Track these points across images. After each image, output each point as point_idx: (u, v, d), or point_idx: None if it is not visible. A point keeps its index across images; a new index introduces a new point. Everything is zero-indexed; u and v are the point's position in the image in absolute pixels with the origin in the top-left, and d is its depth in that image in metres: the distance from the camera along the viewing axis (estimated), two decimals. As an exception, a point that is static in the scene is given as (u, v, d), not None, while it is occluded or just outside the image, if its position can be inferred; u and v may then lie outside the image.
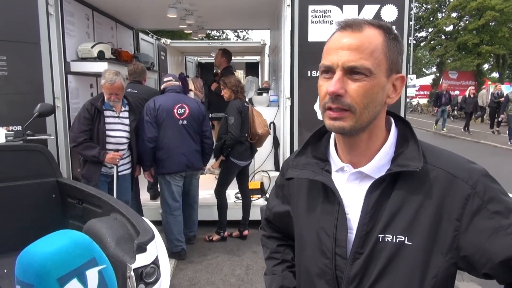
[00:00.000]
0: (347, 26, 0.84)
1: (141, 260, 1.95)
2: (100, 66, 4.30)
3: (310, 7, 4.06)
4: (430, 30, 30.12)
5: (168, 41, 8.73)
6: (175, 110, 3.74)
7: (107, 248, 2.11)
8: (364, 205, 0.86)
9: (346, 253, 0.88)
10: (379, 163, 0.88)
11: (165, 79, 4.04)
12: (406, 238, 0.83)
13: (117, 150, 3.42)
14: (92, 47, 4.37)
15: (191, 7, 5.03)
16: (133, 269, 1.90)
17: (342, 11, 4.07)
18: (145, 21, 6.60)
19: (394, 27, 3.59)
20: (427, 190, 0.84)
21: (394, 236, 0.83)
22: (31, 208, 2.72)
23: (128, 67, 4.48)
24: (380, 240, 0.84)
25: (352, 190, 0.90)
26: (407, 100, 25.84)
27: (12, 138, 2.74)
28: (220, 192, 4.19)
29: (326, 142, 0.99)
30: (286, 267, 1.14)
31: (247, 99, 4.56)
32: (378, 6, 4.06)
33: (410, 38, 30.41)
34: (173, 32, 14.55)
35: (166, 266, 2.25)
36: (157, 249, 2.12)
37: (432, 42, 29.29)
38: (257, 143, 4.26)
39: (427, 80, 28.58)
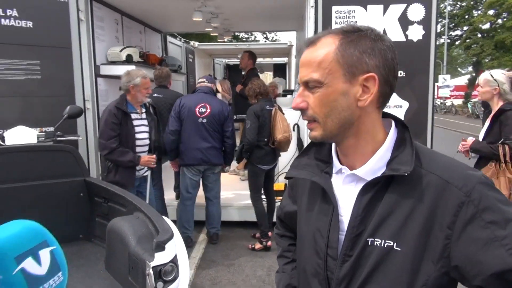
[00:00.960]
0: (307, 43, 0.89)
1: (160, 258, 2.00)
2: (128, 69, 4.44)
3: (334, 8, 4.02)
4: (465, 28, 29.08)
5: (196, 43, 8.86)
6: (197, 109, 3.99)
7: (129, 246, 2.18)
8: (354, 207, 0.87)
9: (337, 254, 0.89)
10: (374, 166, 0.88)
11: (199, 80, 4.34)
12: (395, 243, 0.82)
13: (144, 152, 3.53)
14: (120, 51, 4.51)
15: (216, 10, 5.09)
16: (152, 267, 1.96)
17: (366, 11, 4.01)
18: (173, 25, 6.74)
19: (420, 26, 3.39)
20: (419, 195, 0.82)
21: (383, 241, 0.83)
22: (61, 205, 2.85)
23: (154, 72, 4.60)
24: (369, 243, 0.84)
25: (347, 192, 0.91)
26: (441, 101, 25.11)
27: (43, 139, 2.87)
28: (254, 198, 4.18)
29: (329, 144, 1.00)
30: (295, 266, 1.16)
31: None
32: (404, 5, 3.98)
33: (444, 37, 29.51)
34: (202, 34, 14.78)
35: (185, 265, 2.29)
36: (176, 248, 2.17)
37: (467, 40, 28.31)
38: (279, 148, 4.19)
39: (463, 80, 27.57)
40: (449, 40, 29.27)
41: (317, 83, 0.84)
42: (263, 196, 4.44)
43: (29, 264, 0.47)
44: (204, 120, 3.97)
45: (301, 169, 0.99)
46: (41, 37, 3.73)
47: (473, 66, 30.60)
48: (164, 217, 2.43)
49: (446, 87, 26.04)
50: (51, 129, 3.34)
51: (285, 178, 1.07)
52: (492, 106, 3.13)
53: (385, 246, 0.82)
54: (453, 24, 29.70)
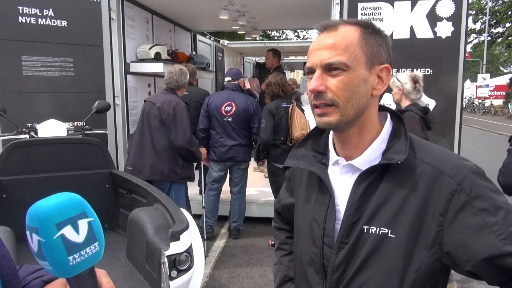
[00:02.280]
0: (324, 28, 0.89)
1: (175, 247, 2.08)
2: (157, 67, 4.58)
3: (360, 5, 3.98)
4: (508, 25, 27.70)
5: (226, 42, 8.98)
6: (223, 108, 4.09)
7: (147, 235, 2.27)
8: (350, 196, 0.89)
9: (332, 242, 0.91)
10: (370, 157, 0.90)
11: (226, 79, 4.44)
12: (390, 230, 0.84)
13: None
14: (149, 49, 4.65)
15: (243, 8, 5.15)
16: (167, 256, 2.03)
17: (393, 7, 3.94)
18: (202, 23, 6.85)
19: (450, 23, 3.29)
20: (413, 184, 0.85)
21: (378, 228, 0.85)
22: (88, 196, 2.91)
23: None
24: (365, 231, 0.86)
25: (344, 182, 0.93)
26: (479, 101, 24.10)
27: (72, 132, 3.02)
28: (275, 197, 4.17)
29: (326, 136, 1.02)
30: (293, 258, 1.18)
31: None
32: (432, 1, 3.88)
33: (484, 34, 28.28)
34: (232, 33, 14.93)
35: (201, 256, 2.36)
36: (191, 239, 2.24)
37: (510, 38, 26.94)
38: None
39: (504, 80, 26.33)
40: (490, 38, 28.00)
41: (344, 66, 0.84)
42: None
43: (68, 231, 0.56)
44: (230, 119, 4.09)
45: (298, 159, 1.02)
46: (75, 36, 3.92)
47: (516, 65, 29.16)
48: (183, 209, 2.51)
49: (485, 86, 24.98)
50: (81, 123, 3.51)
51: (282, 168, 1.10)
52: (402, 106, 3.18)
53: (380, 233, 0.85)
54: (495, 21, 28.37)
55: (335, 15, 4.03)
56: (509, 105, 21.25)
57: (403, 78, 3.17)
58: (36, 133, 2.87)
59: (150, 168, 3.38)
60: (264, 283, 3.34)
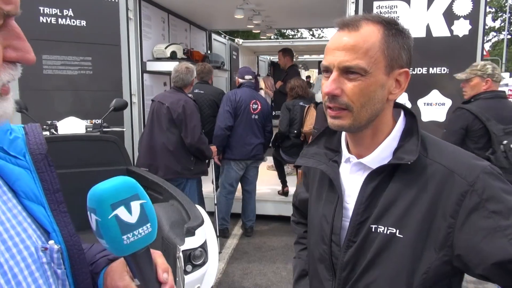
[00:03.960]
0: (344, 25, 0.84)
1: (190, 243, 2.12)
2: (172, 66, 4.61)
3: (375, 3, 3.96)
4: (529, 23, 27.05)
5: (241, 41, 9.01)
6: (251, 105, 4.09)
7: (162, 231, 2.32)
8: (359, 195, 0.89)
9: (339, 240, 0.91)
10: (381, 155, 0.89)
11: (246, 77, 4.30)
12: (398, 230, 0.83)
13: None
14: (165, 48, 4.71)
15: (258, 7, 5.17)
16: (182, 251, 2.08)
17: (409, 6, 3.91)
18: (217, 22, 6.90)
19: (467, 21, 3.27)
20: (422, 184, 0.83)
21: (386, 228, 0.84)
22: (105, 192, 3.06)
23: (196, 67, 4.76)
24: (373, 230, 0.86)
25: (354, 180, 0.92)
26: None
27: (91, 129, 3.10)
28: (275, 154, 4.79)
29: (340, 133, 1.01)
30: None
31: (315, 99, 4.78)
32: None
33: (504, 32, 27.64)
34: (247, 32, 14.96)
35: (215, 252, 2.40)
36: (206, 235, 2.28)
37: (531, 36, 26.30)
38: (307, 141, 4.41)
39: (524, 79, 25.69)
40: (510, 36, 27.39)
41: (362, 71, 0.81)
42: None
43: (121, 212, 0.62)
44: (256, 117, 4.11)
45: (309, 157, 1.02)
46: (93, 35, 4.00)
47: (536, 64, 28.45)
48: (198, 206, 2.55)
49: (504, 85, 24.45)
50: (99, 121, 3.59)
51: (293, 166, 1.11)
52: None
53: (388, 233, 0.84)
54: (515, 19, 27.72)
55: (350, 14, 4.02)
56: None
57: None
58: (56, 130, 2.96)
59: (164, 167, 3.43)
60: (277, 280, 3.36)
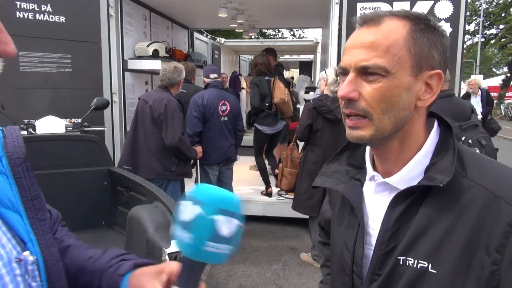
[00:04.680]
0: (364, 21, 0.74)
1: (175, 245, 2.08)
2: (155, 64, 4.56)
3: (359, 5, 4.00)
4: (501, 26, 27.97)
5: (222, 40, 8.96)
6: (219, 107, 3.97)
7: (147, 233, 2.27)
8: (384, 221, 0.77)
9: (361, 272, 0.80)
10: (410, 174, 0.76)
11: (212, 76, 4.13)
12: (430, 264, 0.71)
13: None
14: (147, 46, 4.63)
15: (241, 6, 5.15)
16: (168, 253, 2.03)
17: (392, 8, 3.95)
18: (199, 21, 6.84)
19: (448, 24, 3.35)
20: (460, 210, 0.70)
21: (416, 261, 0.72)
22: (85, 193, 2.97)
23: (180, 66, 4.69)
24: (401, 263, 0.73)
25: (379, 202, 0.80)
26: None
27: (71, 129, 3.00)
28: (256, 157, 4.98)
29: (364, 147, 0.88)
30: None
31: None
32: (431, 2, 3.91)
33: (478, 36, 28.52)
34: (229, 31, 14.89)
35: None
36: (191, 237, 2.24)
37: (503, 39, 27.21)
38: (280, 111, 4.81)
39: (497, 81, 26.58)
40: (483, 39, 28.25)
41: (383, 71, 0.71)
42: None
43: (222, 221, 0.61)
44: (226, 118, 4.00)
45: (328, 176, 0.90)
46: (72, 32, 3.88)
47: (508, 66, 29.43)
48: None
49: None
50: (79, 120, 3.49)
51: (312, 187, 0.99)
52: None
53: (419, 267, 0.71)
54: (489, 22, 28.64)
55: (334, 14, 4.05)
56: (502, 106, 21.46)
57: (329, 71, 3.53)
58: (34, 129, 2.85)
59: (145, 167, 3.36)
60: (262, 281, 3.35)
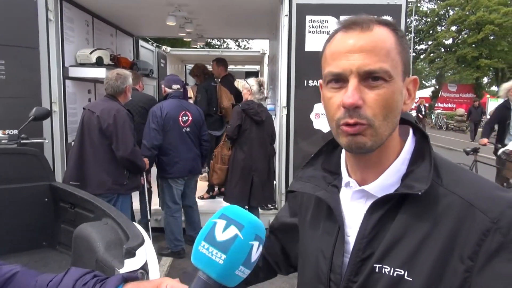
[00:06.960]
0: (354, 24, 0.71)
1: (130, 265, 1.95)
2: (98, 72, 4.34)
3: (308, 17, 4.10)
4: (430, 43, 30.36)
5: (168, 48, 8.79)
6: (180, 118, 3.86)
7: (96, 252, 2.11)
8: (361, 228, 0.76)
9: (340, 280, 0.79)
10: (386, 182, 0.76)
11: (174, 86, 3.96)
12: (407, 272, 0.70)
13: None
14: (90, 53, 4.40)
15: (190, 15, 5.08)
16: (122, 274, 1.91)
17: (339, 21, 4.10)
18: (145, 29, 6.66)
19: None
20: (436, 218, 0.70)
21: (392, 269, 0.72)
22: (24, 211, 2.72)
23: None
24: (376, 270, 0.73)
25: (355, 209, 0.79)
26: (406, 111, 26.12)
27: (6, 141, 2.75)
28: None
29: (339, 152, 0.87)
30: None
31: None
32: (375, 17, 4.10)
33: (409, 51, 30.62)
34: (174, 40, 14.66)
35: (156, 271, 2.24)
36: (146, 254, 2.12)
37: (431, 54, 29.53)
38: (225, 116, 5.11)
39: (427, 93, 28.72)
40: (414, 54, 30.44)
41: (387, 76, 0.69)
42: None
43: (255, 247, 0.62)
44: (188, 129, 3.90)
45: (305, 181, 0.88)
46: (6, 36, 3.59)
47: (436, 79, 32.00)
48: (135, 223, 2.38)
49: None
50: (15, 131, 3.20)
51: (287, 191, 0.96)
52: None
53: (395, 275, 0.71)
54: (419, 39, 30.94)
55: (284, 26, 4.12)
56: (432, 116, 23.14)
57: (251, 81, 4.04)
58: (-37, 142, 2.57)
59: (94, 182, 3.15)
60: None
